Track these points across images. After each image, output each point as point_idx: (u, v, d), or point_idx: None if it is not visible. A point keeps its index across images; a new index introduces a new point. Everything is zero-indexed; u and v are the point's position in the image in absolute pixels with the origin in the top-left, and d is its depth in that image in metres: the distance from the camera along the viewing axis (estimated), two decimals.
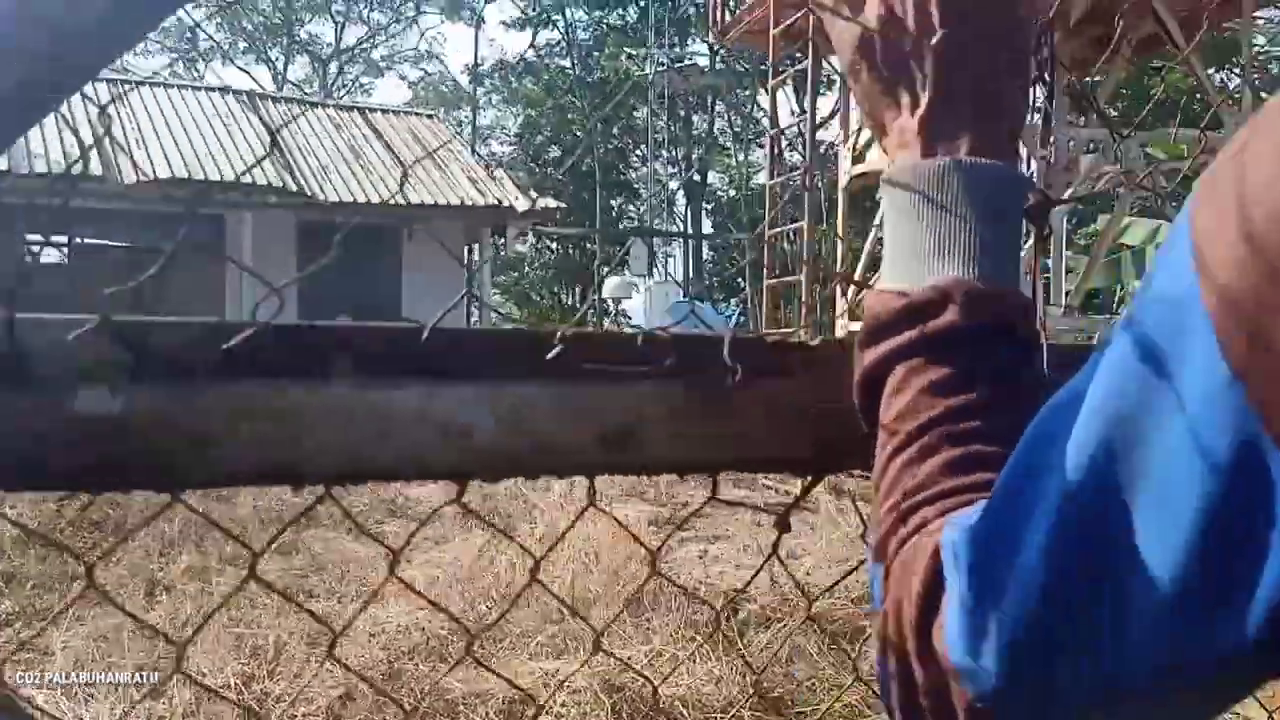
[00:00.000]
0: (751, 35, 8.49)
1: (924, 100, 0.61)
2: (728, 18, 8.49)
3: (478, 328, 0.59)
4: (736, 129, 28.48)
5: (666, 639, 4.40)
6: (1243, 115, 6.86)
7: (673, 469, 0.61)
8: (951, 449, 0.54)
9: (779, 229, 7.91)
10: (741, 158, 27.97)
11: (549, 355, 0.58)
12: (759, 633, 4.53)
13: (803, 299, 6.91)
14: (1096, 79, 7.80)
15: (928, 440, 0.54)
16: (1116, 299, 10.87)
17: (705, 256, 27.81)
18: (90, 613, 4.09)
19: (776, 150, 8.29)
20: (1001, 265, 0.58)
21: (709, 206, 28.80)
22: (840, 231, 7.86)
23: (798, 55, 9.15)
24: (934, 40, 0.60)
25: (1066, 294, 8.28)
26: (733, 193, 28.96)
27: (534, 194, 17.38)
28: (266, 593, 4.52)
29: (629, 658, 4.31)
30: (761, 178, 28.11)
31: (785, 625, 4.59)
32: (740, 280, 27.33)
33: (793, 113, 11.41)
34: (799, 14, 7.41)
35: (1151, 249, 9.90)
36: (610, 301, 15.66)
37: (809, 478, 0.64)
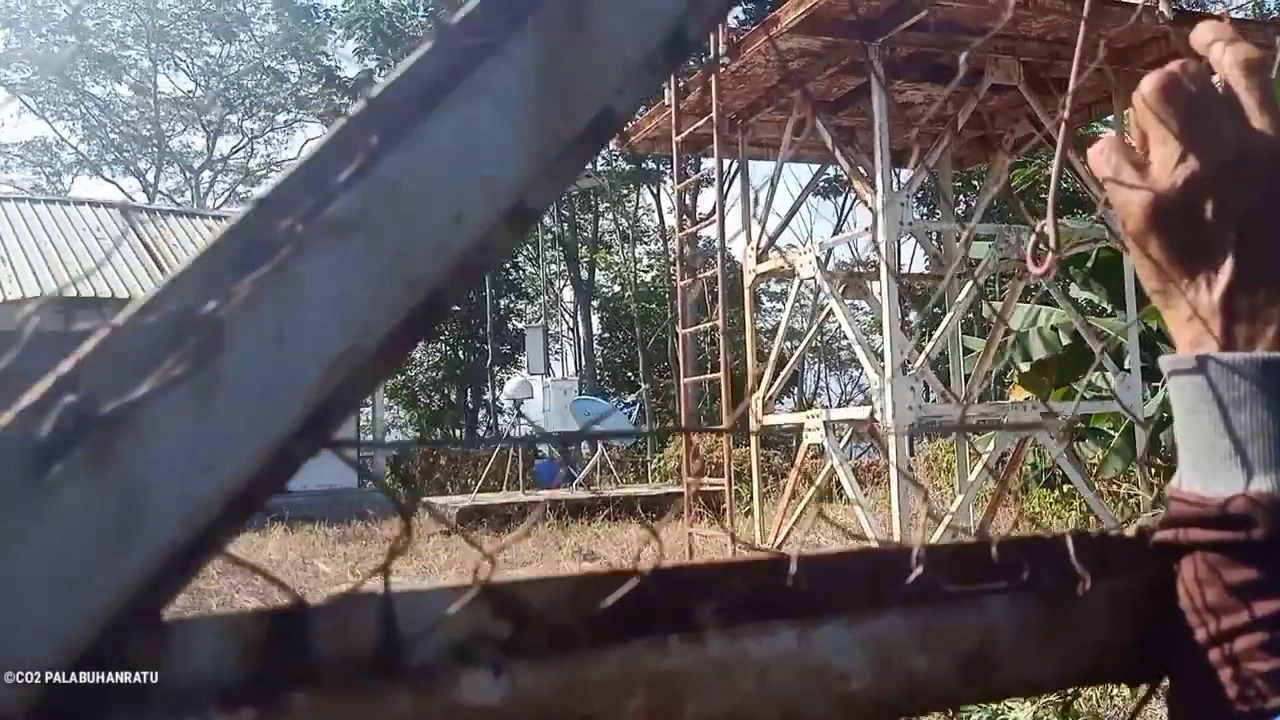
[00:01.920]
0: (651, 141, 8.68)
1: (1225, 275, 0.57)
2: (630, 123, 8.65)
3: (835, 549, 0.54)
4: (623, 228, 28.95)
5: None
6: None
7: (1028, 690, 0.57)
8: (1267, 659, 0.52)
9: (693, 328, 8.00)
10: (626, 255, 28.39)
11: (909, 579, 0.53)
12: None
13: (722, 396, 6.97)
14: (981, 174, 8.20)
15: (1238, 646, 0.53)
16: (1005, 382, 11.31)
17: (596, 354, 27.92)
18: None
19: (683, 249, 8.41)
20: None
21: (595, 303, 29.02)
22: (749, 328, 7.98)
23: (695, 159, 9.37)
24: (1240, 208, 0.57)
25: (966, 377, 8.55)
26: (618, 288, 29.29)
27: None
28: None
29: None
30: (647, 275, 28.57)
31: None
32: (631, 374, 27.47)
33: (686, 213, 11.66)
34: (700, 121, 7.61)
35: (1033, 332, 10.36)
36: (511, 402, 15.50)
37: (1144, 687, 0.60)
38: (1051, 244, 1.23)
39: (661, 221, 27.26)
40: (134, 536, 0.38)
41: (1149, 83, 0.61)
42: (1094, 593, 0.58)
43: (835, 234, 23.09)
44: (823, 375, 29.12)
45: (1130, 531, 0.61)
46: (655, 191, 25.54)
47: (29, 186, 28.47)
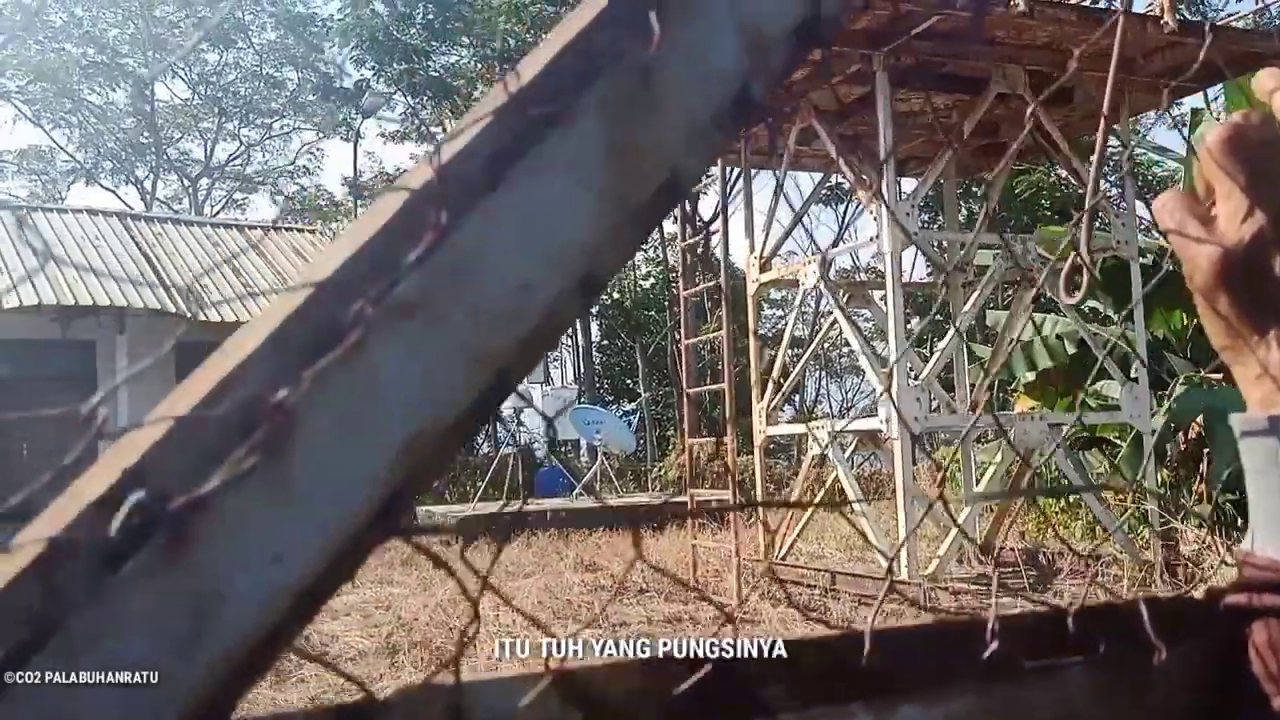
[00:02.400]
0: None
1: None
2: None
3: (908, 624, 0.52)
4: None
5: None
6: (1129, 214, 7.29)
7: None
8: None
9: (697, 339, 7.98)
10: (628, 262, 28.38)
11: (985, 654, 0.52)
12: None
13: (726, 408, 6.95)
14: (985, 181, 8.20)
15: None
16: (1010, 389, 11.29)
17: (595, 361, 27.89)
18: None
19: (685, 259, 8.41)
20: None
21: (594, 310, 29.00)
22: (752, 337, 7.97)
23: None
24: None
25: (972, 386, 8.53)
26: (616, 295, 29.26)
27: None
28: None
29: None
30: (646, 283, 28.55)
31: None
32: (630, 382, 27.45)
33: (688, 220, 11.68)
34: None
35: (1038, 341, 10.35)
36: (511, 410, 15.49)
37: None
38: (1086, 276, 1.21)
39: (661, 230, 27.24)
40: (206, 637, 0.36)
41: (1214, 135, 0.60)
42: (1166, 658, 0.56)
43: (836, 243, 23.11)
44: (823, 383, 29.09)
45: (1199, 593, 0.59)
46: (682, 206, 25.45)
47: (25, 195, 28.46)
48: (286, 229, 20.64)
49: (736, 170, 8.73)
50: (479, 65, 26.39)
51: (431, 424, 0.41)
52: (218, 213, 29.76)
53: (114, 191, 30.85)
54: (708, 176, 9.37)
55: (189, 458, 0.37)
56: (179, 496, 0.36)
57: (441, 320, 0.41)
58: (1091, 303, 10.02)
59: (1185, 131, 8.91)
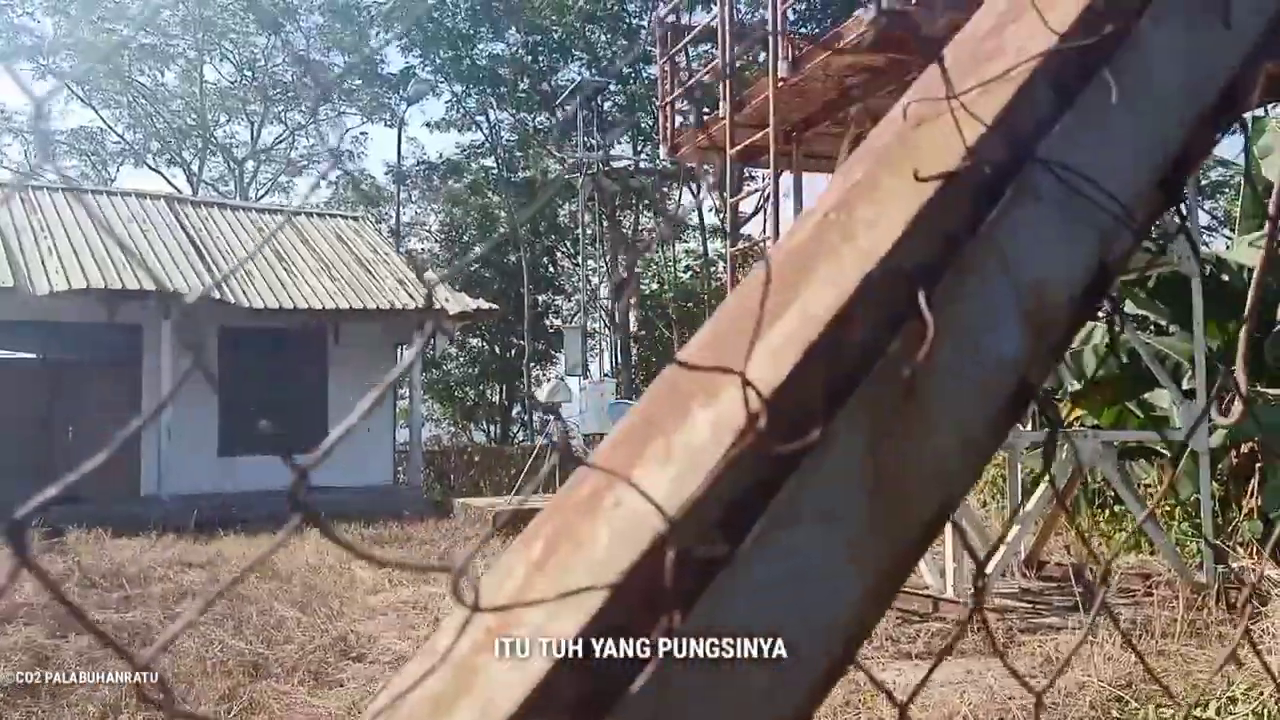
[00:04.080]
0: (701, 151, 8.54)
1: None
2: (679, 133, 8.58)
3: None
4: (661, 227, 28.78)
5: None
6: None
7: None
8: None
9: None
10: (667, 254, 28.23)
11: None
12: None
13: None
14: None
15: None
16: (1057, 398, 11.07)
17: (633, 352, 27.78)
18: None
19: (734, 265, 8.28)
20: None
21: (634, 300, 28.90)
22: None
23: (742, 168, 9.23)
24: None
25: None
26: (655, 286, 29.15)
27: (464, 295, 17.21)
28: None
29: None
30: (685, 275, 28.39)
31: None
32: None
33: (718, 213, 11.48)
34: (758, 134, 7.47)
35: (1087, 350, 10.11)
36: (550, 405, 15.44)
37: None
38: (1242, 393, 1.09)
39: (701, 221, 27.08)
40: None
41: None
42: None
43: None
44: None
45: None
46: (695, 190, 25.35)
47: (76, 175, 28.78)
48: (330, 215, 20.71)
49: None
50: (526, 55, 26.31)
51: None
52: (262, 196, 29.95)
53: (161, 173, 31.15)
54: (750, 179, 9.21)
55: None
56: None
57: None
58: (1142, 312, 9.77)
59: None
